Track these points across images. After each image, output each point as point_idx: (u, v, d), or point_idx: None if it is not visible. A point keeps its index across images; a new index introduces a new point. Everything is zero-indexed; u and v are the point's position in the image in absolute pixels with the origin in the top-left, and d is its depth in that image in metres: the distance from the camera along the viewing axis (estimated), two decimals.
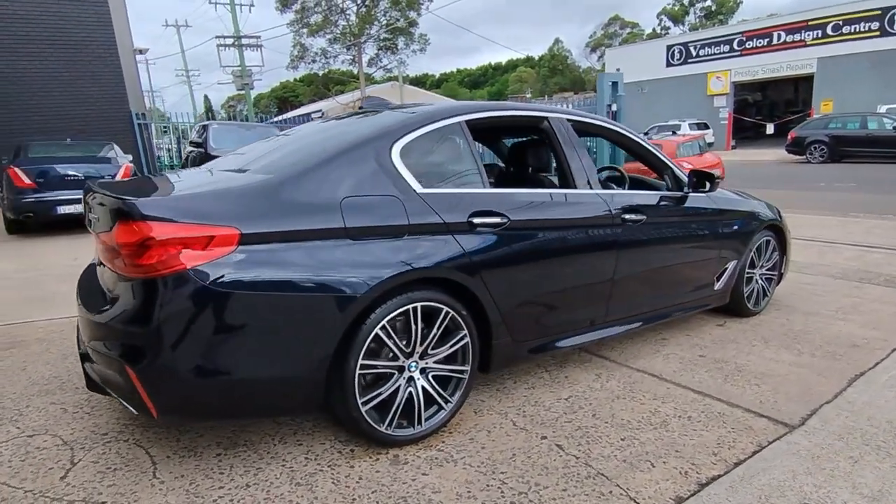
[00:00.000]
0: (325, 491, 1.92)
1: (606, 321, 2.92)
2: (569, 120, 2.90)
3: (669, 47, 27.59)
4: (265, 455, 2.15)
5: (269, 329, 1.86)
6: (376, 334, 2.04)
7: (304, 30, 40.02)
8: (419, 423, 2.22)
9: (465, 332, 2.29)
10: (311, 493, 1.91)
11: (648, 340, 3.48)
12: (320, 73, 43.25)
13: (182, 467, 2.05)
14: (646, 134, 13.89)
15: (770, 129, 23.77)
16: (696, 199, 3.33)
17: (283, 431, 2.34)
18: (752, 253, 3.74)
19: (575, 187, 2.76)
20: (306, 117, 18.26)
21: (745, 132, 27.32)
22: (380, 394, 2.11)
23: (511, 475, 2.03)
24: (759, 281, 3.91)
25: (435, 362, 2.27)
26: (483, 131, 3.36)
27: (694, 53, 26.52)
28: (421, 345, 2.19)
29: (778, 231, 3.97)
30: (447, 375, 2.32)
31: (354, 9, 39.97)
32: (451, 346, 2.29)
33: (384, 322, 2.05)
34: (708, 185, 3.23)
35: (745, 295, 3.77)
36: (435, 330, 2.21)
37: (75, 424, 2.39)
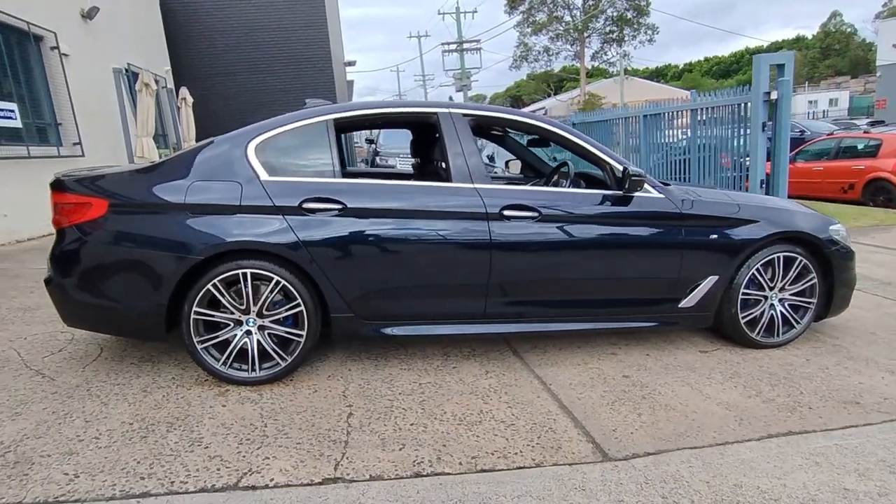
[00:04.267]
0: (140, 396, 2.55)
1: (486, 318, 2.86)
2: (466, 115, 2.90)
3: None
4: (144, 370, 2.87)
5: (123, 272, 2.55)
6: (208, 290, 2.56)
7: (529, 29, 41.14)
8: (253, 370, 2.67)
9: (300, 300, 2.64)
10: (124, 397, 2.56)
11: (594, 351, 3.18)
12: (538, 71, 43.97)
13: (73, 374, 2.91)
14: (870, 126, 10.74)
15: None
16: (646, 201, 2.93)
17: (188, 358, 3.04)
18: (754, 270, 3.06)
19: (450, 181, 2.79)
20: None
21: None
22: (216, 337, 2.64)
23: (278, 423, 2.34)
24: (778, 307, 3.16)
25: (272, 322, 2.68)
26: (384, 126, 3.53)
27: None
28: (255, 305, 2.63)
29: (814, 248, 3.13)
30: (286, 337, 2.71)
31: (580, 2, 39.49)
32: (288, 311, 2.67)
33: (215, 281, 2.56)
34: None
35: (744, 320, 3.11)
36: (268, 294, 2.62)
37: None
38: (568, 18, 40.26)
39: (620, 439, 2.26)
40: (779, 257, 3.07)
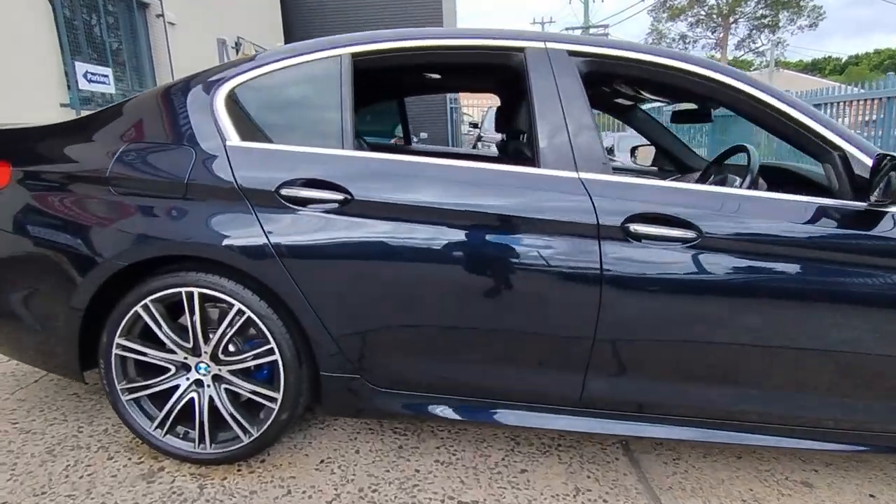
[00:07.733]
0: (36, 465, 1.68)
1: (586, 406, 1.64)
2: (573, 53, 1.66)
3: None
4: (81, 410, 2.03)
5: (24, 275, 1.68)
6: (136, 313, 1.62)
7: (665, 14, 37.40)
8: (202, 441, 1.69)
9: (274, 345, 1.62)
10: (13, 464, 1.70)
11: (777, 472, 1.84)
12: None
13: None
14: None
15: None
16: None
17: None
18: None
19: (538, 165, 1.59)
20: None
21: None
22: (150, 386, 1.69)
23: None
24: None
25: (232, 373, 1.69)
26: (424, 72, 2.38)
27: None
28: (207, 344, 1.65)
29: None
30: (253, 398, 1.70)
31: None
32: (255, 358, 1.66)
33: (147, 301, 1.60)
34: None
35: None
36: (225, 328, 1.63)
37: None
38: (712, 1, 35.89)
39: None
40: None
